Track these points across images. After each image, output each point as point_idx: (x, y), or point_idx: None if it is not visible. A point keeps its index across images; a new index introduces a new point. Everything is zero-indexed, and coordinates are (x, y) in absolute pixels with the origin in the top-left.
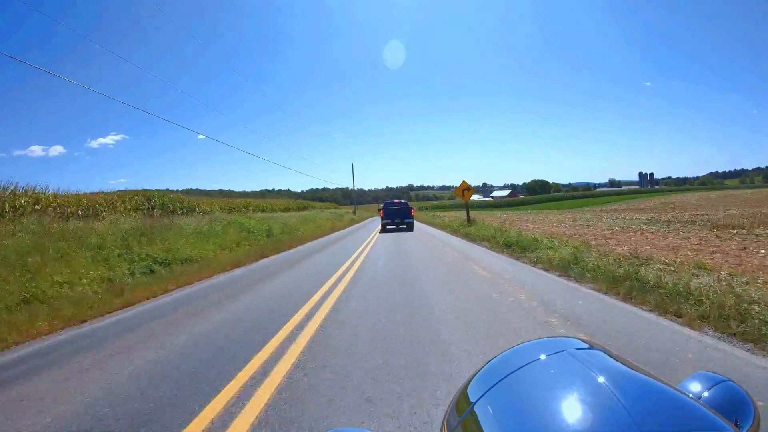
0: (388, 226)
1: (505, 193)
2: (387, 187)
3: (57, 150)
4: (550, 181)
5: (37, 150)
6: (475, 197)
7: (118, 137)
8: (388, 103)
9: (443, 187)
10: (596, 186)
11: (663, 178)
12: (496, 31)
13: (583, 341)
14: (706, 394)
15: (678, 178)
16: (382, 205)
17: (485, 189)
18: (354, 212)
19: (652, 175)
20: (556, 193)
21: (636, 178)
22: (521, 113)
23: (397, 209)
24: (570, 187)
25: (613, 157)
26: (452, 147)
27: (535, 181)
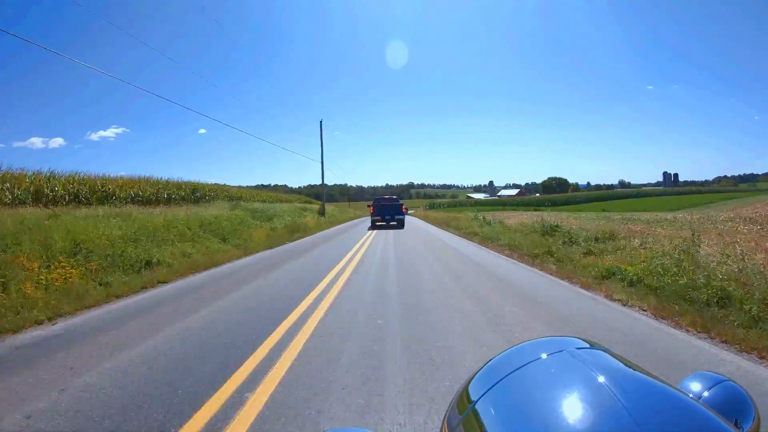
0: (378, 223)
1: (513, 192)
2: (387, 184)
3: (57, 142)
4: (570, 180)
5: (37, 142)
6: (480, 196)
7: (119, 130)
8: (390, 101)
9: (444, 186)
10: (610, 187)
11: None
12: (502, 33)
13: (584, 341)
14: (706, 393)
15: (685, 181)
16: (372, 202)
17: (492, 188)
18: (321, 212)
19: (676, 175)
20: (576, 193)
21: (644, 181)
22: (524, 115)
23: (387, 206)
24: (591, 186)
25: (618, 160)
26: (453, 147)
27: (552, 179)
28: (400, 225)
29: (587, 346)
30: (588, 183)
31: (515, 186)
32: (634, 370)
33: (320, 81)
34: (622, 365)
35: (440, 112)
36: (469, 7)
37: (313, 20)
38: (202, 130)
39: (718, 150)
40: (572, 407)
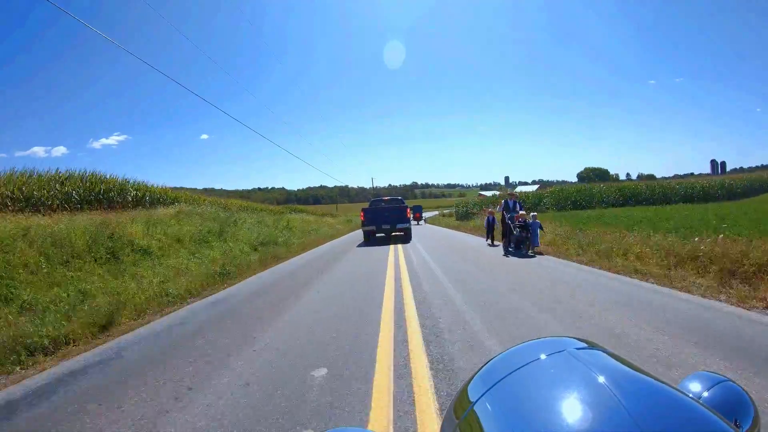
0: (376, 234)
1: (533, 188)
2: (390, 184)
3: (59, 151)
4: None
5: (39, 151)
6: (492, 194)
7: (122, 137)
8: (387, 101)
9: (449, 185)
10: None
11: (686, 174)
12: (506, 26)
13: (583, 341)
14: (705, 393)
15: (688, 173)
16: (367, 205)
17: (508, 185)
18: None
19: (723, 164)
20: (619, 182)
21: (662, 174)
22: (533, 110)
23: (386, 210)
24: (644, 177)
25: (630, 152)
26: (457, 146)
27: (590, 170)
28: (407, 237)
29: (586, 346)
30: (628, 174)
31: (523, 183)
32: (633, 370)
33: (319, 82)
34: (621, 365)
35: (441, 111)
36: (470, 3)
37: (310, 24)
38: (204, 136)
39: (721, 143)
40: (572, 407)
